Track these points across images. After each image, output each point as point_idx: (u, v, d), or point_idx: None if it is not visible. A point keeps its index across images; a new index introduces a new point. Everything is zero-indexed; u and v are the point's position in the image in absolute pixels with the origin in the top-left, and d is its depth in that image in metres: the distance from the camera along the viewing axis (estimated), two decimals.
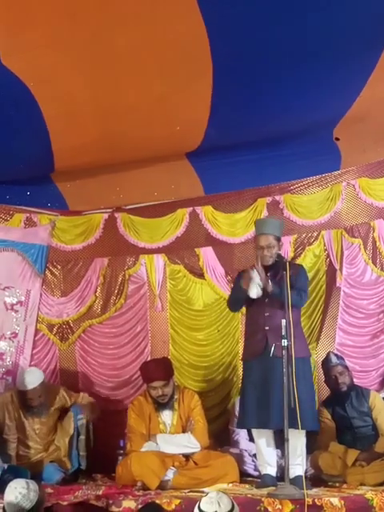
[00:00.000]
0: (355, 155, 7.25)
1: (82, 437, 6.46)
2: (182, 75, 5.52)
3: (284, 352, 5.40)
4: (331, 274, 7.36)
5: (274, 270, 5.92)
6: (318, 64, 5.58)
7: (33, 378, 6.48)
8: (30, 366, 7.15)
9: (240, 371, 7.18)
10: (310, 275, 6.81)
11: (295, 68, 5.60)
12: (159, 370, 6.37)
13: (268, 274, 5.90)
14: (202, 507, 3.45)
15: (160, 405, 6.27)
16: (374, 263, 7.35)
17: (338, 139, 7.02)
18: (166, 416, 6.29)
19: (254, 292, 5.82)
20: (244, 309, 6.42)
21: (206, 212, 7.55)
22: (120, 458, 6.16)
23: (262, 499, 5.01)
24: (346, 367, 6.45)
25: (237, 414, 6.70)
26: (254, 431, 5.96)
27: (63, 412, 6.62)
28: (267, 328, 5.76)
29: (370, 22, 5.17)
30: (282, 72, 5.62)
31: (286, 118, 6.35)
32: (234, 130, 6.44)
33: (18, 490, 4.11)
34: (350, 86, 6.04)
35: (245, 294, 5.89)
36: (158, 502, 4.99)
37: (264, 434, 5.84)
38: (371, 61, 5.70)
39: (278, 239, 6.00)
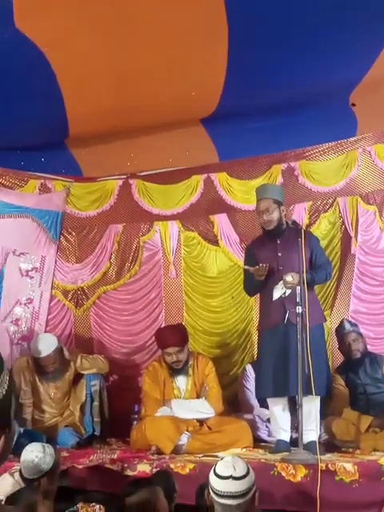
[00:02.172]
0: (372, 121, 7.18)
1: (96, 403, 6.52)
2: (197, 40, 5.50)
3: (298, 319, 5.40)
4: (346, 241, 7.32)
5: (283, 236, 5.90)
6: (334, 28, 5.54)
7: (47, 345, 6.52)
8: (46, 331, 7.20)
9: (254, 338, 7.21)
10: (324, 243, 6.82)
11: (311, 32, 5.56)
12: (174, 336, 6.39)
13: (278, 242, 5.89)
14: (217, 471, 3.45)
15: (174, 370, 6.30)
16: None
17: (354, 105, 6.96)
18: (181, 381, 6.32)
19: (278, 294, 5.81)
20: None
21: (220, 179, 7.52)
22: (134, 422, 6.21)
23: (276, 464, 5.02)
24: (360, 334, 6.45)
25: (245, 383, 6.77)
26: (269, 399, 5.96)
27: (78, 377, 6.65)
28: (284, 296, 5.75)
29: None
30: (298, 36, 5.59)
31: (302, 84, 6.30)
32: (249, 95, 6.41)
33: (35, 454, 4.14)
34: (367, 51, 5.99)
35: (259, 282, 5.89)
36: (171, 466, 5.03)
37: (279, 402, 5.86)
38: None
39: (279, 203, 5.95)
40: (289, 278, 5.59)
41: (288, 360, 5.60)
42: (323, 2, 5.21)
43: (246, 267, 5.88)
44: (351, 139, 7.35)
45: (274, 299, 5.79)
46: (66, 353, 6.62)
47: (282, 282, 5.71)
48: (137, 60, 5.66)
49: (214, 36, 5.46)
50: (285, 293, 5.73)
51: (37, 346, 6.54)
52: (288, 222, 5.91)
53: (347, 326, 6.44)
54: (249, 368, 6.82)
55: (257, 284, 5.97)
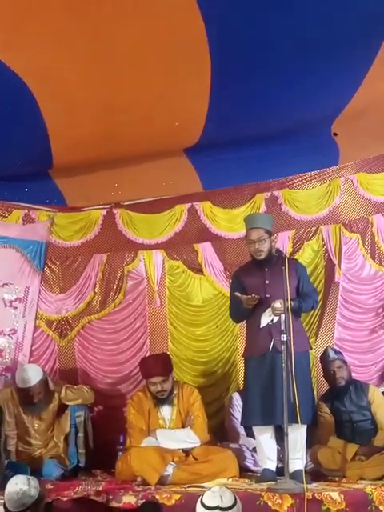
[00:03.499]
0: (353, 150, 7.27)
1: (81, 434, 6.46)
2: (180, 71, 5.53)
3: (283, 347, 5.41)
4: (330, 268, 7.37)
5: (271, 265, 5.92)
6: (316, 59, 5.59)
7: (32, 375, 6.48)
8: (30, 362, 7.16)
9: (239, 367, 7.21)
10: (308, 271, 6.81)
11: (293, 63, 5.60)
12: (158, 365, 6.37)
13: (266, 270, 5.91)
14: (204, 502, 3.46)
15: (159, 400, 6.27)
16: (373, 258, 7.37)
17: (336, 134, 7.03)
18: (166, 411, 6.29)
19: (266, 321, 5.82)
20: None
21: (204, 207, 7.56)
22: (120, 453, 6.16)
23: (262, 494, 5.01)
24: (345, 362, 6.45)
25: (232, 411, 6.75)
26: (255, 427, 5.94)
27: (63, 408, 6.61)
28: (271, 324, 5.75)
29: (369, 17, 5.17)
30: (281, 67, 5.62)
31: (285, 114, 6.35)
32: (233, 125, 6.44)
33: (19, 486, 4.11)
34: (349, 82, 6.04)
35: (247, 310, 5.91)
36: (157, 497, 5.00)
37: (265, 430, 5.84)
38: (369, 56, 5.71)
39: (269, 233, 5.99)
40: (277, 304, 5.59)
41: (274, 388, 5.60)
42: (305, 34, 5.25)
43: (238, 294, 5.87)
44: (333, 168, 7.45)
45: (261, 326, 5.80)
46: (50, 384, 6.58)
47: (270, 308, 5.71)
48: (120, 91, 5.68)
49: (196, 67, 5.50)
50: (272, 320, 5.74)
51: (21, 377, 6.50)
52: (272, 250, 5.95)
53: (331, 353, 6.45)
54: (236, 396, 6.81)
55: (244, 312, 5.98)
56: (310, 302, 5.99)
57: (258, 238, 5.91)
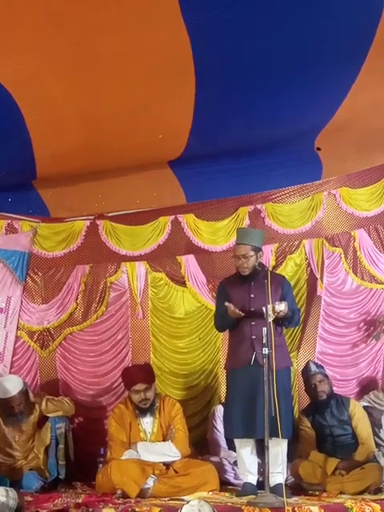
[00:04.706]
0: (336, 165, 7.31)
1: (61, 446, 6.44)
2: (164, 83, 5.54)
3: (265, 361, 5.41)
4: (312, 282, 7.40)
5: (256, 279, 5.92)
6: (299, 74, 5.63)
7: (12, 386, 6.44)
8: (11, 373, 7.12)
9: (221, 379, 7.20)
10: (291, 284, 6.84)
11: (277, 78, 5.64)
12: (141, 373, 6.38)
13: (252, 284, 5.92)
14: None
15: (141, 411, 6.25)
16: (355, 272, 7.41)
17: (319, 149, 7.08)
18: (147, 424, 6.27)
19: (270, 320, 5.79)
20: None
21: (188, 220, 7.57)
22: (100, 465, 6.13)
23: (242, 507, 4.98)
24: (326, 376, 6.47)
25: (215, 424, 6.74)
26: (237, 440, 5.94)
27: (43, 419, 6.57)
28: (254, 337, 5.76)
29: (352, 33, 5.22)
30: (265, 81, 5.66)
31: (268, 128, 6.38)
32: (216, 138, 6.47)
33: None
34: (332, 96, 6.08)
35: (231, 321, 5.92)
36: (137, 510, 4.97)
37: (246, 443, 5.84)
38: (352, 71, 5.75)
39: (257, 249, 5.99)
40: (282, 306, 5.61)
41: (255, 402, 5.61)
42: (290, 49, 5.29)
43: (227, 304, 5.84)
44: (316, 182, 7.50)
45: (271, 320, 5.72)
46: (30, 395, 6.55)
47: (271, 307, 5.65)
48: (105, 103, 5.69)
49: (181, 79, 5.52)
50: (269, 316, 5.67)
51: (3, 386, 6.45)
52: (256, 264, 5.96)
53: (313, 367, 6.46)
54: (219, 408, 6.80)
55: (228, 322, 5.98)
56: (296, 319, 6.04)
57: (244, 254, 5.92)
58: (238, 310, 5.77)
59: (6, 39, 4.80)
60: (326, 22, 5.04)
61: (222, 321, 6.10)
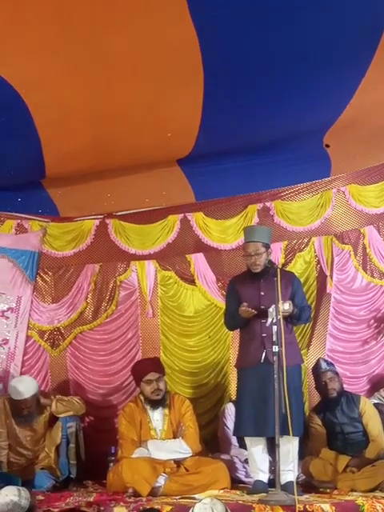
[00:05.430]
0: (345, 162, 7.30)
1: (72, 445, 6.45)
2: (173, 82, 5.54)
3: (275, 358, 5.41)
4: (322, 280, 7.39)
5: (266, 277, 5.92)
6: (308, 71, 5.62)
7: (26, 389, 6.44)
8: (22, 372, 7.15)
9: (231, 377, 7.21)
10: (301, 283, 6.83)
11: (286, 75, 5.63)
12: (153, 363, 6.49)
13: (262, 281, 5.92)
14: None
15: (153, 404, 6.26)
16: (365, 269, 7.40)
17: (328, 146, 7.06)
18: (157, 422, 6.28)
19: (270, 320, 5.79)
20: None
21: (197, 218, 7.57)
22: (111, 464, 6.14)
23: (253, 505, 4.99)
24: (336, 373, 6.46)
25: (225, 422, 6.74)
26: (248, 438, 5.94)
27: (54, 419, 6.59)
28: (264, 335, 5.74)
29: (360, 29, 5.21)
30: (273, 79, 5.65)
31: (277, 125, 6.37)
32: (225, 136, 6.46)
33: (10, 497, 4.10)
34: (340, 93, 6.07)
35: (242, 320, 5.92)
36: (148, 507, 4.98)
37: (258, 442, 5.84)
38: (361, 68, 5.73)
39: (267, 246, 5.99)
40: (286, 306, 5.61)
41: (266, 400, 5.59)
42: (298, 46, 5.28)
43: (243, 307, 5.80)
44: (325, 179, 7.48)
45: (268, 324, 5.73)
46: (41, 399, 6.54)
47: (273, 306, 5.63)
48: (113, 101, 5.70)
49: (189, 78, 5.52)
50: (273, 320, 5.66)
51: (16, 388, 6.45)
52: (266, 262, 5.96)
53: (323, 365, 6.45)
54: (230, 406, 6.80)
55: (239, 321, 5.98)
56: (306, 315, 6.04)
57: (255, 251, 5.92)
58: (251, 309, 5.77)
59: (14, 40, 4.82)
60: (334, 20, 5.03)
61: (234, 321, 6.09)
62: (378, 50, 5.48)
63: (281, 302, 5.60)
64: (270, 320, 5.67)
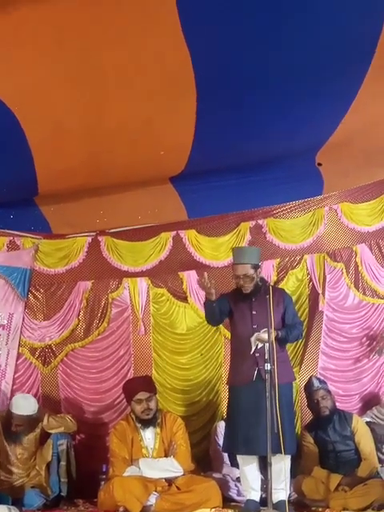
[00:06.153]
0: (337, 180, 7.33)
1: (63, 463, 6.42)
2: (166, 99, 5.56)
3: (267, 376, 5.40)
4: (314, 297, 7.40)
5: (258, 295, 5.92)
6: (301, 90, 5.64)
7: (27, 406, 6.45)
8: (13, 390, 7.14)
9: (223, 395, 7.19)
10: (292, 299, 6.83)
11: (278, 93, 5.65)
12: (144, 382, 6.47)
13: (253, 300, 5.91)
14: None
15: (144, 423, 6.24)
16: (357, 287, 7.42)
17: (320, 164, 7.08)
18: (149, 440, 6.25)
19: (254, 347, 5.79)
20: (227, 333, 6.45)
21: (189, 236, 7.59)
22: (102, 482, 6.11)
23: None
24: (329, 391, 6.45)
25: (217, 440, 6.72)
26: (240, 457, 5.92)
27: (45, 436, 6.55)
28: (257, 354, 5.74)
29: (353, 48, 5.24)
30: (266, 97, 5.68)
31: (269, 143, 6.40)
32: (218, 154, 6.48)
33: None
34: (333, 112, 6.10)
35: (216, 309, 5.89)
36: None
37: (250, 460, 5.82)
38: (353, 87, 5.77)
39: (256, 266, 5.99)
40: (265, 335, 5.60)
41: (258, 418, 5.57)
42: (290, 64, 5.31)
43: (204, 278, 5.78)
44: (318, 198, 7.52)
45: (251, 352, 5.74)
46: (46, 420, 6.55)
47: (256, 334, 5.69)
48: (106, 119, 5.71)
49: (182, 94, 5.54)
50: (257, 346, 5.71)
51: (19, 401, 6.48)
52: (258, 281, 5.96)
53: (316, 383, 6.44)
54: (222, 424, 6.77)
55: (215, 311, 5.92)
56: (296, 333, 6.01)
57: (244, 274, 5.92)
58: (207, 280, 5.70)
59: (6, 56, 4.83)
60: (327, 39, 5.07)
61: (211, 313, 6.01)
62: (371, 69, 5.52)
63: (263, 330, 5.61)
64: (253, 348, 5.69)
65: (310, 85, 5.60)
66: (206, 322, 7.24)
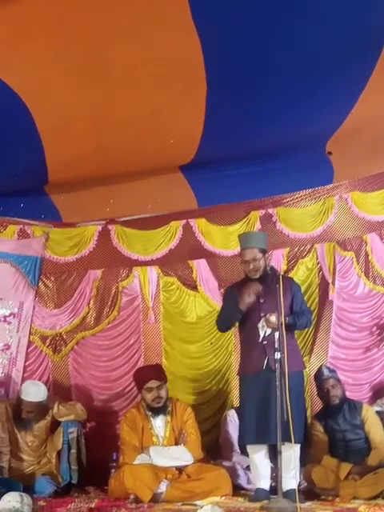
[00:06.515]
0: (348, 169, 7.29)
1: (73, 451, 6.46)
2: (176, 88, 5.54)
3: (277, 365, 5.40)
4: (324, 287, 7.39)
5: (266, 282, 5.92)
6: (311, 78, 5.61)
7: (37, 393, 6.50)
8: (23, 378, 7.17)
9: (233, 384, 7.21)
10: (302, 289, 6.82)
11: (289, 82, 5.62)
12: (154, 371, 6.49)
13: (261, 289, 5.91)
14: None
15: (154, 411, 6.27)
16: (367, 276, 7.40)
17: (330, 153, 7.05)
18: (159, 428, 6.28)
19: (262, 333, 5.81)
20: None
21: (199, 224, 7.58)
22: (112, 470, 6.14)
23: None
24: (339, 380, 6.45)
25: (227, 428, 6.73)
26: (249, 445, 5.93)
27: (56, 424, 6.59)
28: (265, 342, 5.76)
29: (363, 37, 5.20)
30: (276, 86, 5.64)
31: (279, 132, 6.37)
32: (228, 143, 6.46)
33: (12, 503, 4.11)
34: (343, 101, 6.06)
35: (239, 315, 5.91)
36: None
37: (259, 449, 5.84)
38: (364, 75, 5.73)
39: (264, 251, 6.00)
40: (273, 318, 5.61)
41: (268, 407, 5.59)
42: (300, 54, 5.28)
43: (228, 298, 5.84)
44: (328, 186, 7.49)
45: (260, 339, 5.77)
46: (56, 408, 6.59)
47: (263, 320, 5.71)
48: (116, 108, 5.70)
49: (192, 84, 5.51)
50: (266, 333, 5.73)
51: (29, 388, 6.52)
52: (267, 268, 5.97)
53: (326, 372, 6.45)
54: (232, 413, 6.81)
55: (236, 318, 5.98)
56: (304, 321, 5.99)
57: (253, 258, 5.93)
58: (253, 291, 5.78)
59: (18, 47, 4.82)
60: (337, 26, 5.02)
61: (225, 320, 6.12)
62: (381, 58, 5.47)
63: (269, 314, 5.63)
64: (262, 335, 5.70)
65: (319, 75, 5.55)
66: (215, 311, 7.33)
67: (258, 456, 5.84)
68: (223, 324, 6.28)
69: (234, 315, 5.99)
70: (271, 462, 5.87)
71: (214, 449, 6.86)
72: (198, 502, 5.50)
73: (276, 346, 5.45)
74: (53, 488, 6.22)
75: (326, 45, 5.22)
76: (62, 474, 6.40)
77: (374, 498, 5.69)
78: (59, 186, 7.01)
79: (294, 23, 4.96)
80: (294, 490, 5.35)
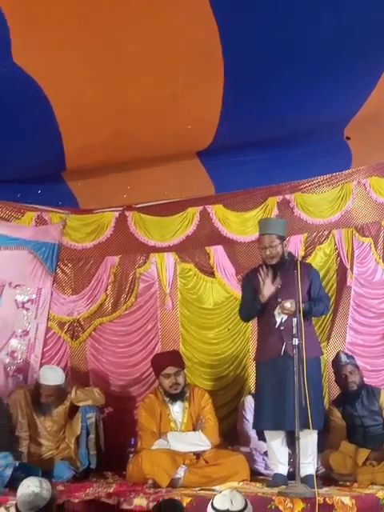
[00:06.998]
0: (366, 154, 7.24)
1: (92, 436, 6.50)
2: (193, 75, 5.53)
3: (295, 351, 5.40)
4: (342, 273, 7.36)
5: (283, 269, 5.92)
6: (329, 64, 5.58)
7: (55, 377, 6.53)
8: (41, 364, 7.20)
9: (250, 370, 7.21)
10: (320, 274, 6.78)
11: (306, 68, 5.60)
12: (172, 357, 6.52)
13: (278, 274, 5.91)
14: (215, 504, 3.48)
15: (172, 397, 6.29)
16: None
17: (348, 138, 7.01)
18: (177, 414, 6.30)
19: (278, 320, 5.82)
20: None
21: (216, 211, 7.56)
22: (131, 455, 6.18)
23: (273, 497, 5.02)
24: (357, 366, 6.45)
25: (244, 414, 6.74)
26: (267, 432, 5.95)
27: (74, 410, 6.62)
28: (282, 328, 5.76)
29: (381, 23, 5.16)
30: (293, 71, 5.62)
31: (297, 118, 6.34)
32: (245, 128, 6.43)
33: (32, 488, 4.12)
34: (362, 86, 6.03)
35: (261, 306, 5.92)
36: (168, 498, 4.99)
37: (277, 435, 5.85)
38: (382, 61, 5.70)
39: (282, 238, 6.00)
40: (288, 304, 5.62)
41: (286, 393, 5.59)
42: (318, 39, 5.25)
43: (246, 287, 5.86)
44: (346, 172, 7.43)
45: (276, 325, 5.77)
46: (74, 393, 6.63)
47: (279, 306, 5.72)
48: (133, 94, 5.69)
49: (209, 70, 5.50)
50: (282, 319, 5.73)
51: (46, 372, 6.56)
52: (284, 254, 5.96)
53: (343, 358, 6.44)
54: (249, 399, 6.82)
55: (255, 309, 5.98)
56: (321, 307, 5.98)
57: (270, 244, 5.92)
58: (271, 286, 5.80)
59: (35, 33, 4.83)
60: (355, 12, 5.00)
61: (249, 309, 6.11)
62: None
63: (284, 300, 5.63)
64: (278, 321, 5.70)
65: (338, 59, 5.52)
66: (232, 297, 7.33)
67: (276, 442, 5.86)
68: (246, 315, 6.31)
69: (255, 307, 6.00)
70: (289, 447, 5.88)
71: (232, 435, 6.88)
72: (215, 487, 5.53)
73: (294, 331, 5.44)
74: (71, 473, 6.26)
75: (343, 31, 5.20)
76: (80, 459, 6.45)
77: None
78: (76, 173, 7.02)
79: (312, 9, 4.93)
80: (312, 475, 5.36)
